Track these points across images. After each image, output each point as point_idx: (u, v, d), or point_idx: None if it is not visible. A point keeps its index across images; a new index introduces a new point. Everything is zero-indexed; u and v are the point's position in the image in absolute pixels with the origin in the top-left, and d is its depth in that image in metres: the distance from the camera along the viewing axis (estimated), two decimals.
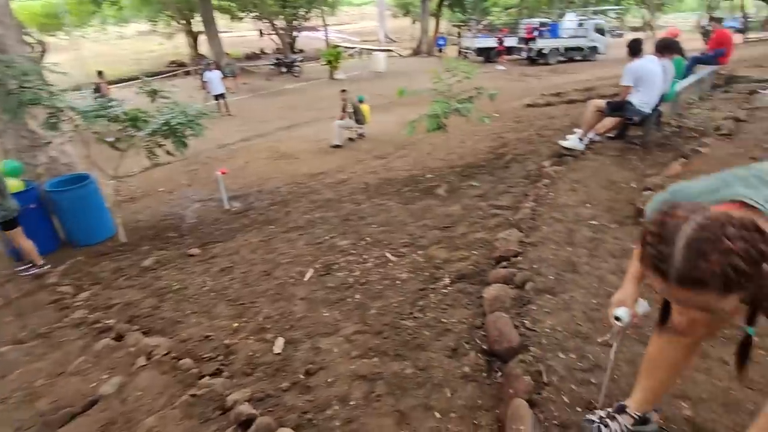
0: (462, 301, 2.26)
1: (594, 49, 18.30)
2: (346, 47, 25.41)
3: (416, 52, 24.85)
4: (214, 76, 11.53)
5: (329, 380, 1.85)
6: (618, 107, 4.40)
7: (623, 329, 1.05)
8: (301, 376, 1.92)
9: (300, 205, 4.91)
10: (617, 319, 1.01)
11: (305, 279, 2.98)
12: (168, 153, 4.52)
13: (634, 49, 4.42)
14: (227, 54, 16.14)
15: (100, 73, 12.49)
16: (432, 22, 24.52)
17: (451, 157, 5.78)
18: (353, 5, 33.43)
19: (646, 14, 24.21)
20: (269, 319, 2.51)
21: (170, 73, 22.56)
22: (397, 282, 2.64)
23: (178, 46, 25.45)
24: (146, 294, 3.23)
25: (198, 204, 5.68)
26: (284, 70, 19.32)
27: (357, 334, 2.17)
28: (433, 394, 1.65)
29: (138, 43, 34.87)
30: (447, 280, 2.49)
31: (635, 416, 1.25)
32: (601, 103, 4.57)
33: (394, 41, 35.12)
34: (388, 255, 3.05)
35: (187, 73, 21.52)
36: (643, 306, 1.07)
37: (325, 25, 19.01)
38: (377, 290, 2.59)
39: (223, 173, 5.36)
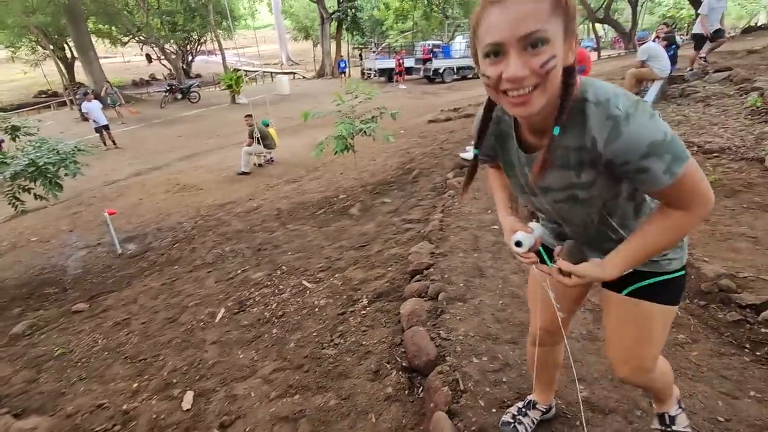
0: (381, 320, 2.26)
1: None
2: (247, 71, 24.76)
3: (320, 74, 25.10)
4: (93, 107, 10.37)
5: (247, 430, 1.70)
6: None
7: (530, 253, 0.95)
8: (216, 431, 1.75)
9: (207, 240, 4.57)
10: (518, 244, 0.93)
11: (216, 320, 2.76)
12: (39, 197, 3.91)
13: None
14: (108, 82, 14.60)
15: None
16: (333, 44, 25.02)
17: (363, 176, 5.87)
18: (251, 29, 32.79)
19: None
20: (176, 372, 2.26)
21: (40, 105, 19.87)
22: (316, 309, 2.56)
23: (48, 74, 22.49)
24: (18, 366, 2.72)
25: (83, 251, 4.99)
26: (179, 96, 18.12)
27: (276, 372, 2.05)
28: (358, 423, 1.61)
29: None
30: (365, 301, 2.48)
31: (543, 409, 1.36)
32: None
33: (297, 64, 35.16)
34: (305, 282, 2.96)
35: (63, 104, 19.14)
36: (536, 227, 1.00)
37: (222, 49, 18.29)
38: (295, 321, 2.49)
39: (112, 213, 4.79)
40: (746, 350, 1.72)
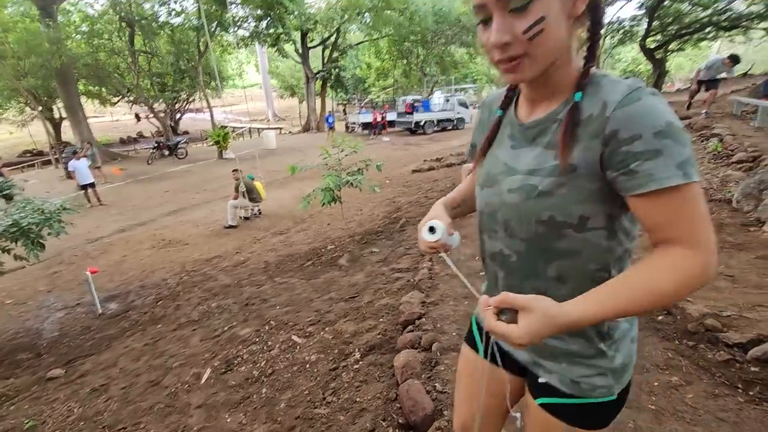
0: (374, 374, 2.21)
1: (461, 120, 21.25)
2: (234, 127, 25.43)
3: (306, 129, 25.94)
4: (80, 165, 10.43)
5: None
6: None
7: (443, 245, 0.85)
8: None
9: (192, 296, 4.46)
10: (431, 230, 0.83)
11: (202, 381, 2.64)
12: (18, 258, 3.82)
13: None
14: (89, 143, 14.60)
15: None
16: (318, 100, 26.12)
17: (350, 226, 5.92)
18: (239, 88, 34.13)
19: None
20: None
21: (25, 164, 19.84)
22: (307, 366, 2.49)
23: (34, 133, 22.68)
24: None
25: (61, 313, 4.79)
26: (166, 152, 18.37)
27: None
28: None
29: None
30: (357, 355, 2.43)
31: None
32: (471, 166, 5.23)
33: (283, 119, 36.40)
34: (295, 338, 2.90)
35: (47, 163, 19.15)
36: (456, 238, 0.91)
37: (211, 107, 18.89)
38: (285, 379, 2.41)
39: (94, 272, 4.67)
40: (739, 390, 1.73)
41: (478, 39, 0.68)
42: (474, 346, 0.99)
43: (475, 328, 1.02)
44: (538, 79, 0.67)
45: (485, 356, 0.91)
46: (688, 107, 8.57)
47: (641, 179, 0.59)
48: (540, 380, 0.83)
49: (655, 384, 1.79)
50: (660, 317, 2.25)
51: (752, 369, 1.79)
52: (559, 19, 0.61)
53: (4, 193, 4.02)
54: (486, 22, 0.64)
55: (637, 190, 0.60)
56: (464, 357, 1.02)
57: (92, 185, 10.71)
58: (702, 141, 5.87)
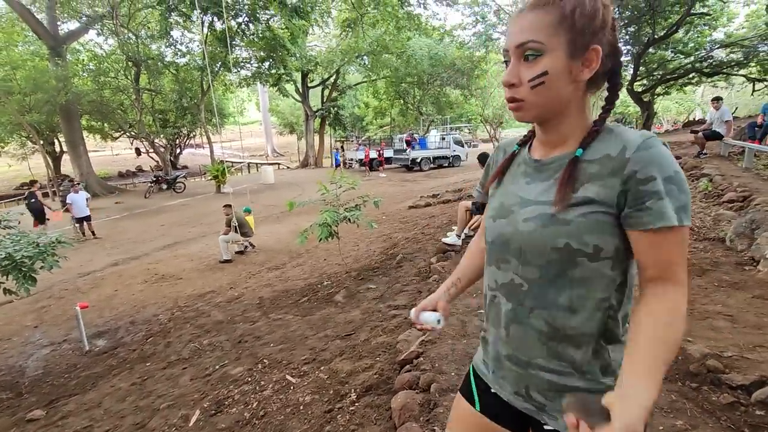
0: (371, 416, 2.13)
1: (457, 158, 21.73)
2: (233, 162, 25.80)
3: (304, 164, 26.34)
4: (78, 198, 10.43)
5: None
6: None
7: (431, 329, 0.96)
8: None
9: (184, 333, 4.35)
10: (438, 321, 0.94)
11: (190, 424, 2.53)
12: (8, 292, 3.75)
13: (481, 160, 5.38)
14: (70, 181, 14.57)
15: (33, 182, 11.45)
16: (317, 137, 26.70)
17: (347, 261, 5.89)
18: (239, 124, 34.96)
19: (490, 130, 30.03)
20: None
21: (20, 197, 19.84)
22: (301, 407, 2.40)
23: (33, 167, 22.85)
24: None
25: (47, 349, 4.64)
26: (165, 186, 18.50)
27: None
28: None
29: None
30: (353, 396, 2.35)
31: None
32: (469, 203, 5.30)
33: (282, 155, 36.98)
34: (289, 377, 2.81)
35: (45, 195, 19.16)
36: (442, 321, 0.97)
37: (211, 143, 19.25)
38: (278, 422, 2.31)
39: (84, 307, 4.57)
40: None
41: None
42: (470, 398, 0.94)
43: (472, 378, 0.96)
44: (547, 126, 0.77)
45: (482, 410, 0.91)
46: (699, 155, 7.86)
47: (653, 216, 0.66)
48: (546, 428, 0.80)
49: (660, 428, 1.74)
50: None
51: (757, 413, 1.75)
52: (561, 78, 0.71)
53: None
54: (507, 63, 0.75)
55: (647, 226, 0.67)
56: (459, 410, 0.97)
57: (88, 218, 10.68)
58: (693, 180, 6.02)
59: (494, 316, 0.87)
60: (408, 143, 21.32)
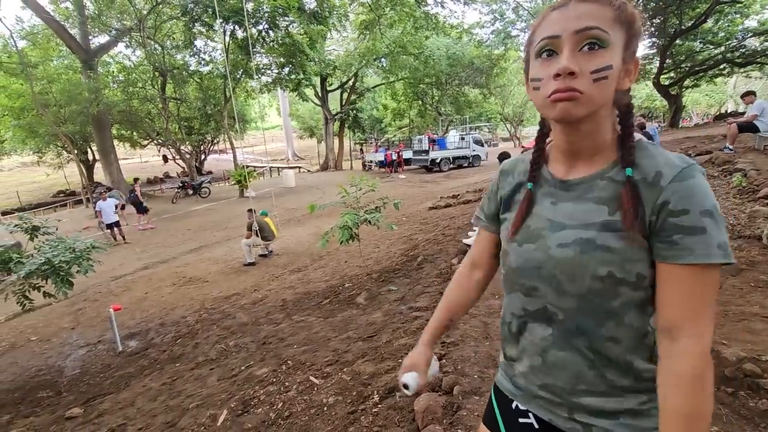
0: (394, 418, 2.14)
1: (477, 158, 21.51)
2: (255, 167, 26.31)
3: (324, 168, 26.62)
4: (106, 205, 10.90)
5: None
6: None
7: (412, 395, 0.97)
8: None
9: (211, 335, 4.48)
10: (405, 387, 0.92)
11: (218, 423, 2.60)
12: (47, 295, 3.94)
13: (502, 159, 5.33)
14: (106, 189, 15.23)
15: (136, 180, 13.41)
16: (336, 140, 26.95)
17: (368, 263, 5.92)
18: (261, 129, 35.67)
19: (511, 128, 29.66)
20: None
21: (58, 204, 20.82)
22: (324, 408, 2.43)
23: (69, 175, 23.97)
24: None
25: (83, 350, 4.85)
26: (191, 192, 19.07)
27: None
28: None
29: (19, 174, 32.22)
30: (376, 398, 2.37)
31: None
32: None
33: (302, 159, 37.47)
34: (312, 378, 2.85)
35: (79, 202, 20.06)
36: (434, 368, 0.98)
37: (234, 148, 19.71)
38: (303, 423, 2.35)
39: (117, 309, 4.76)
40: None
41: (533, 72, 0.70)
42: (496, 428, 0.86)
43: (495, 404, 0.89)
44: (583, 130, 0.69)
45: None
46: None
47: (680, 251, 0.62)
48: None
49: None
50: None
51: None
52: (616, 78, 0.65)
53: (41, 230, 4.22)
54: (549, 54, 0.67)
55: (673, 260, 0.63)
56: None
57: (117, 224, 11.12)
58: (725, 176, 5.77)
59: (526, 343, 0.80)
60: (433, 142, 21.22)
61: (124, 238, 11.15)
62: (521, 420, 0.83)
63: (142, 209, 12.83)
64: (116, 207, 11.11)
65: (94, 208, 13.94)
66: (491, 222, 0.91)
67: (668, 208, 0.62)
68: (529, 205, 0.78)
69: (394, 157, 21.48)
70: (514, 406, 0.85)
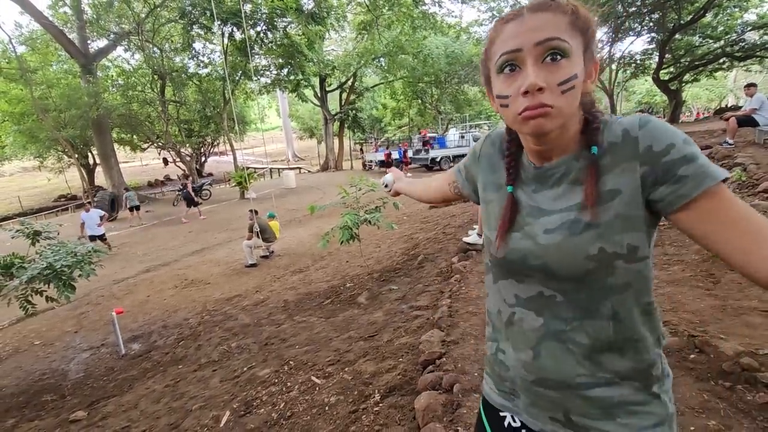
0: (395, 417, 2.15)
1: None
2: (255, 168, 26.37)
3: (324, 168, 26.66)
4: (89, 217, 10.15)
5: None
6: None
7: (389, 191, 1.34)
8: None
9: (213, 336, 4.50)
10: (385, 185, 1.34)
11: (221, 424, 2.62)
12: (50, 300, 3.96)
13: None
14: (95, 191, 15.32)
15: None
16: (336, 141, 26.98)
17: (369, 263, 5.94)
18: (260, 131, 35.69)
19: None
20: None
21: (59, 208, 20.89)
22: (326, 408, 2.45)
23: (69, 179, 24.04)
24: None
25: (86, 354, 4.88)
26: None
27: None
28: None
29: (20, 179, 32.33)
30: (377, 397, 2.38)
31: None
32: None
33: (303, 159, 37.53)
34: (314, 378, 2.87)
35: (80, 206, 20.13)
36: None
37: (234, 150, 19.75)
38: (305, 422, 2.37)
39: (119, 313, 4.78)
40: None
41: (498, 89, 0.68)
42: None
43: (484, 415, 0.87)
44: (549, 137, 0.68)
45: None
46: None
47: (696, 180, 0.59)
48: None
49: (692, 429, 1.69)
50: (692, 356, 2.15)
51: None
52: (581, 82, 0.65)
53: (42, 234, 4.24)
54: (512, 69, 0.65)
55: (695, 192, 0.59)
56: None
57: (102, 237, 10.49)
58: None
59: (516, 337, 0.77)
60: (425, 143, 21.23)
61: (109, 247, 10.58)
62: (514, 424, 0.81)
63: (193, 203, 14.09)
64: (101, 218, 10.45)
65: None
66: (464, 185, 0.96)
67: (654, 151, 0.61)
68: (512, 210, 0.76)
69: (396, 156, 21.53)
70: (506, 423, 0.82)
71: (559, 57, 0.63)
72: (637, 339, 0.68)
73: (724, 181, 0.60)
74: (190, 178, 16.23)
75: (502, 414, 0.83)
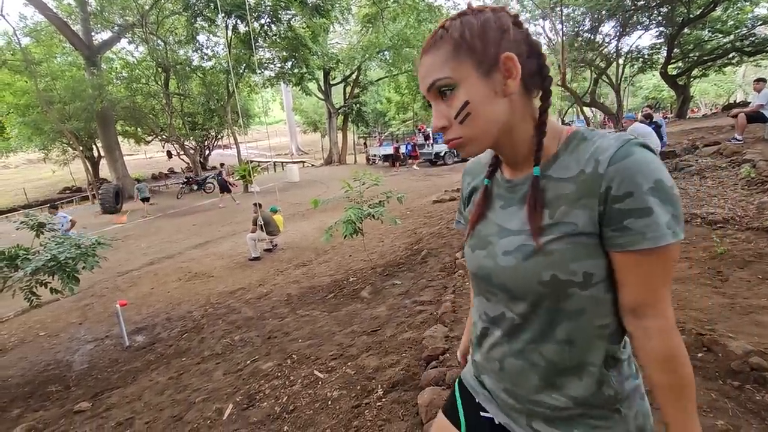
0: (398, 412, 2.15)
1: None
2: (259, 161, 26.36)
3: (328, 162, 26.61)
4: (58, 222, 8.29)
5: None
6: None
7: None
8: None
9: (216, 329, 4.51)
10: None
11: (224, 417, 2.62)
12: (54, 291, 3.98)
13: None
14: (136, 179, 15.58)
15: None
16: (340, 134, 26.91)
17: (372, 257, 5.93)
18: (264, 124, 35.66)
19: None
20: None
21: (64, 200, 21.00)
22: (329, 402, 2.45)
23: (74, 171, 24.13)
24: None
25: (91, 345, 4.91)
26: (195, 187, 19.17)
27: None
28: None
29: (25, 171, 32.50)
30: (380, 392, 2.38)
31: None
32: None
33: (306, 153, 37.49)
34: (317, 372, 2.86)
35: (85, 198, 20.23)
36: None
37: (238, 143, 19.74)
38: (307, 416, 2.37)
39: (123, 305, 4.80)
40: None
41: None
42: (456, 420, 0.87)
43: (458, 395, 0.89)
44: (502, 149, 0.71)
45: None
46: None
47: (633, 237, 0.59)
48: None
49: None
50: (700, 354, 2.12)
51: None
52: (488, 100, 0.65)
53: (46, 226, 4.25)
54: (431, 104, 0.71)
55: (628, 248, 0.60)
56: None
57: None
58: (733, 167, 5.69)
59: (488, 348, 0.80)
60: (427, 137, 21.18)
61: None
62: (483, 414, 0.84)
63: (227, 189, 15.28)
64: (71, 223, 8.94)
65: (102, 204, 14.07)
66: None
67: (612, 195, 0.60)
68: (485, 204, 0.79)
69: (403, 150, 21.49)
70: (477, 401, 0.86)
71: (447, 91, 0.66)
72: (594, 363, 0.69)
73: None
74: (225, 165, 17.64)
75: (473, 395, 0.87)
